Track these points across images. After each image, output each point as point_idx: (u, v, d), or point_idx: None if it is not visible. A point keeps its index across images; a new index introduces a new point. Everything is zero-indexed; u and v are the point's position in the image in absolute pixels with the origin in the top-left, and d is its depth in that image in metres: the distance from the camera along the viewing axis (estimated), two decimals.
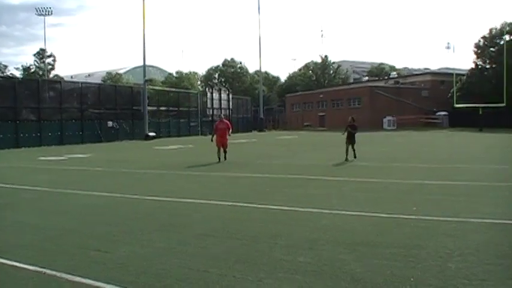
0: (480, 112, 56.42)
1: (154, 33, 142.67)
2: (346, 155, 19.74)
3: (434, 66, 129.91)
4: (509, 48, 58.54)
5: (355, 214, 9.00)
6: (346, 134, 20.20)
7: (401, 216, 8.70)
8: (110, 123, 48.86)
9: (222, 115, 25.73)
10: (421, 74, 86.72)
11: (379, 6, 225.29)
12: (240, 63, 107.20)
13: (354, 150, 20.01)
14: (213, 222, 8.60)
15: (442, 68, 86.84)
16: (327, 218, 8.78)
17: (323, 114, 77.55)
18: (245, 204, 10.21)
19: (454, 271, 5.60)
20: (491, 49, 65.68)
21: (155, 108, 56.73)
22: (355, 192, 11.88)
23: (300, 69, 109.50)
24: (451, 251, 6.40)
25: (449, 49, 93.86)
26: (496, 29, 65.85)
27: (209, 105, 64.85)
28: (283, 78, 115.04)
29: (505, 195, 10.91)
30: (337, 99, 76.51)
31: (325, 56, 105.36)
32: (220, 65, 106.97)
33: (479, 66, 67.52)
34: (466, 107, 58.14)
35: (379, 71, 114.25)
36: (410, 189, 12.10)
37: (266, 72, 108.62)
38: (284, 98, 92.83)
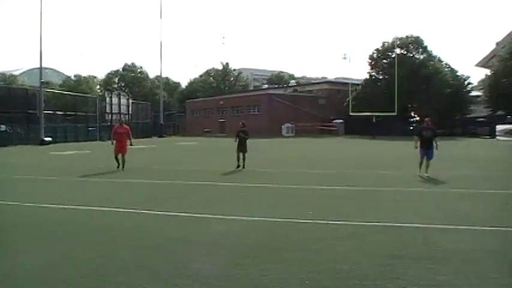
0: (374, 120, 59.34)
1: (52, 34, 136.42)
2: (238, 161, 19.19)
3: (331, 75, 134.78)
4: (400, 61, 62.46)
5: (251, 219, 9.14)
6: (237, 140, 19.60)
7: (298, 220, 8.94)
8: (2, 127, 45.95)
9: (122, 120, 24.78)
10: (318, 83, 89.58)
11: (280, 16, 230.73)
12: (141, 67, 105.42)
13: (244, 159, 19.24)
14: (111, 230, 8.37)
15: (338, 78, 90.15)
16: (223, 223, 8.85)
17: (223, 120, 77.88)
18: (143, 211, 10.01)
19: (347, 273, 5.87)
20: (384, 61, 69.36)
21: (52, 112, 54.33)
22: (252, 197, 12.07)
23: (201, 76, 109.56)
24: (345, 253, 6.70)
25: (345, 59, 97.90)
26: (388, 42, 69.72)
27: (108, 110, 63.00)
28: (184, 84, 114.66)
29: (395, 199, 11.54)
30: (237, 106, 77.15)
31: (226, 63, 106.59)
32: (120, 69, 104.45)
33: (373, 77, 71.05)
34: (361, 115, 60.87)
35: (278, 79, 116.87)
36: (306, 194, 12.47)
37: (167, 78, 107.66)
38: (185, 104, 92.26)
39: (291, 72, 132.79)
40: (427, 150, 16.23)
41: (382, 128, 59.35)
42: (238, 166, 18.99)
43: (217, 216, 9.43)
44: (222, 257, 6.59)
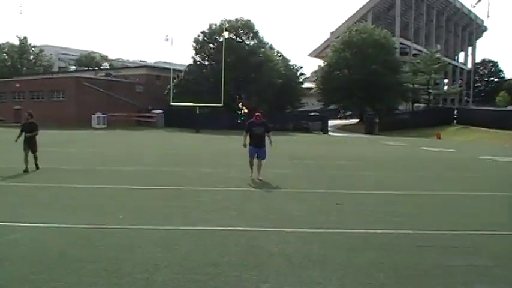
0: (198, 112, 60.00)
1: None
2: (26, 164, 16.95)
3: (151, 59, 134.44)
4: (228, 46, 63.90)
5: (52, 226, 8.77)
6: (23, 136, 17.52)
7: (106, 226, 8.78)
8: None
9: None
10: (136, 67, 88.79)
11: None
12: None
13: (35, 159, 17.34)
14: None
15: (159, 62, 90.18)
16: (18, 231, 8.35)
17: (19, 107, 73.30)
18: None
19: (160, 284, 5.90)
20: (211, 45, 70.62)
21: None
22: (53, 200, 11.54)
23: None
24: (159, 262, 6.71)
25: (167, 41, 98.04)
26: (215, 25, 70.92)
27: None
28: None
29: (218, 200, 11.83)
30: (37, 91, 73.24)
31: (24, 38, 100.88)
32: None
33: (198, 63, 71.97)
34: (183, 105, 61.19)
35: (88, 61, 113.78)
36: (117, 195, 12.31)
37: None
38: None
39: (103, 53, 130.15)
40: (258, 149, 15.82)
41: (208, 120, 60.49)
42: (26, 170, 16.72)
43: (10, 223, 8.89)
44: (14, 270, 6.26)
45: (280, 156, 22.99)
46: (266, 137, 16.05)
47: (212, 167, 19.36)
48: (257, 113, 16.85)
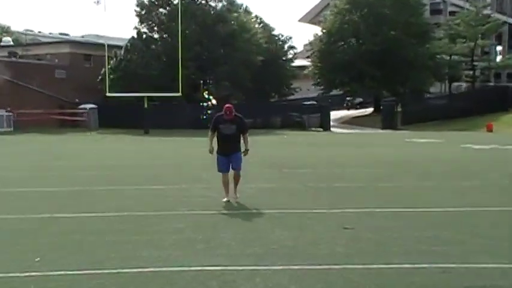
0: (146, 105, 59.03)
1: None
2: None
3: (76, 31, 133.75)
4: (187, 11, 63.50)
5: None
6: None
7: (13, 274, 8.65)
8: None
9: None
10: (54, 43, 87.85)
11: None
12: None
13: None
14: None
15: (88, 35, 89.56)
16: None
17: None
18: None
19: None
20: (162, 10, 70.03)
21: None
22: None
23: None
24: None
25: (98, 5, 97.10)
26: None
27: None
28: None
29: (178, 228, 11.72)
30: None
31: None
32: None
33: (144, 36, 71.04)
34: (125, 96, 60.50)
35: None
36: (32, 228, 12.15)
37: None
38: None
39: (3, 22, 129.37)
40: (229, 155, 15.15)
41: (160, 117, 59.97)
42: None
43: None
44: None
45: (263, 165, 23.02)
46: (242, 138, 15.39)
47: (169, 183, 19.31)
48: (227, 105, 15.76)
